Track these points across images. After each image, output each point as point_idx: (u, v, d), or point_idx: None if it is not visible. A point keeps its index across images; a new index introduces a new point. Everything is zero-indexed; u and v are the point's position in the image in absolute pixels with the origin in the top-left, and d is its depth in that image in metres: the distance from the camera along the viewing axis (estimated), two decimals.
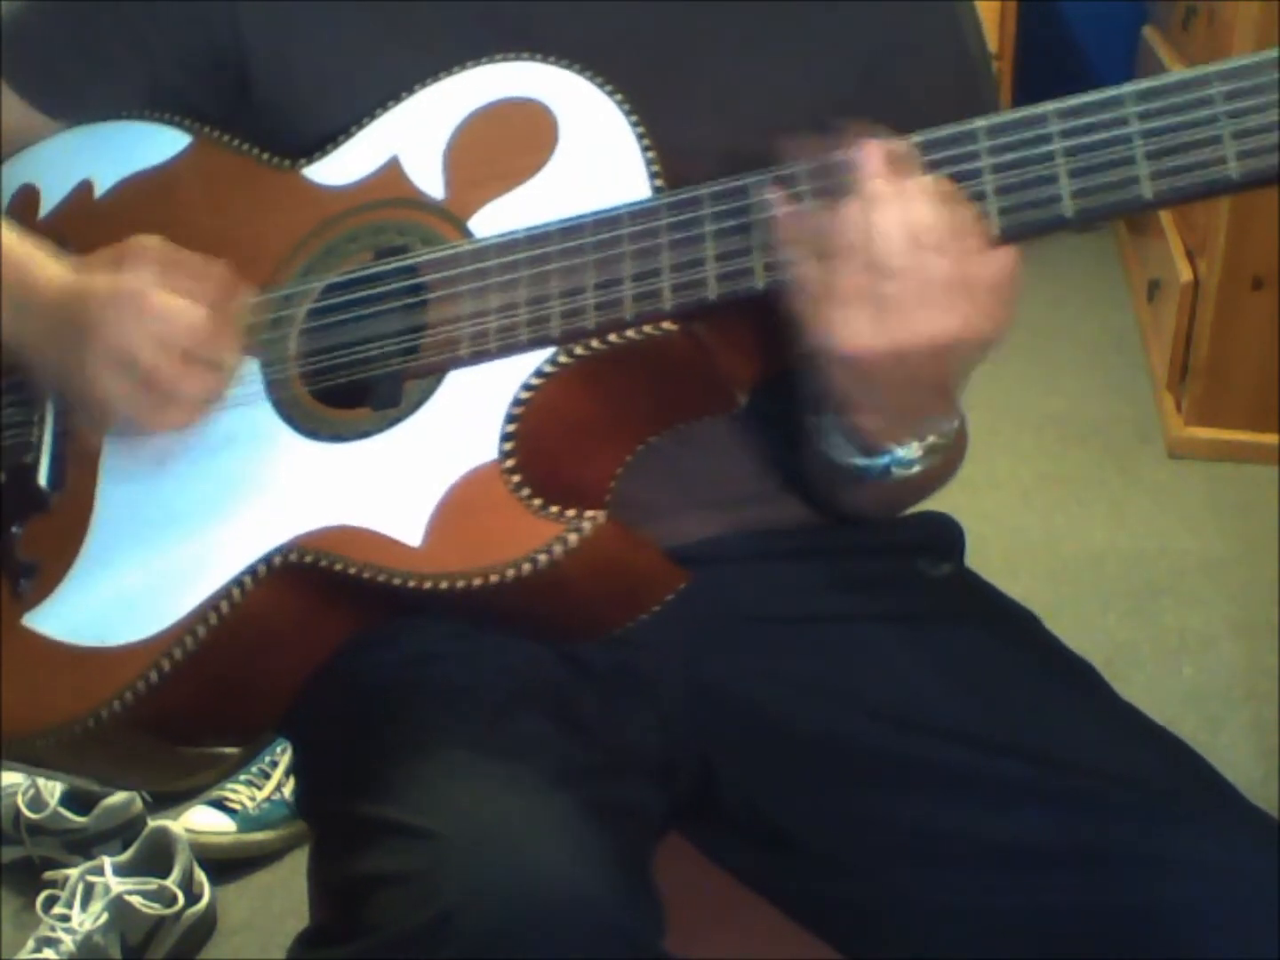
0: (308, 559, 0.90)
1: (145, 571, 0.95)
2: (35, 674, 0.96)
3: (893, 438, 0.90)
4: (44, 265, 0.96)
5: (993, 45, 3.13)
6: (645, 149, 0.90)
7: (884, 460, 0.91)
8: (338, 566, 0.89)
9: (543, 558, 0.84)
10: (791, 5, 0.99)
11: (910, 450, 0.90)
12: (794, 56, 0.99)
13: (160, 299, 0.91)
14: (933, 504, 1.07)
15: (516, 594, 0.86)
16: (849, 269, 0.80)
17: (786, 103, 0.97)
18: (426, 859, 0.79)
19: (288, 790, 1.77)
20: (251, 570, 0.91)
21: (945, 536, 1.10)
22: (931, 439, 0.90)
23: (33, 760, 1.01)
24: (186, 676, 0.92)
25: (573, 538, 0.84)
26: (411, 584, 0.87)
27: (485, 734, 0.87)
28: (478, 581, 0.85)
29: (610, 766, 0.90)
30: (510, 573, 0.84)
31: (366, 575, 0.88)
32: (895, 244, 0.78)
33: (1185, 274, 2.62)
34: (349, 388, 0.94)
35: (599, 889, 0.78)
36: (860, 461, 0.91)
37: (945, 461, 0.97)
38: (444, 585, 0.86)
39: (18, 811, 1.71)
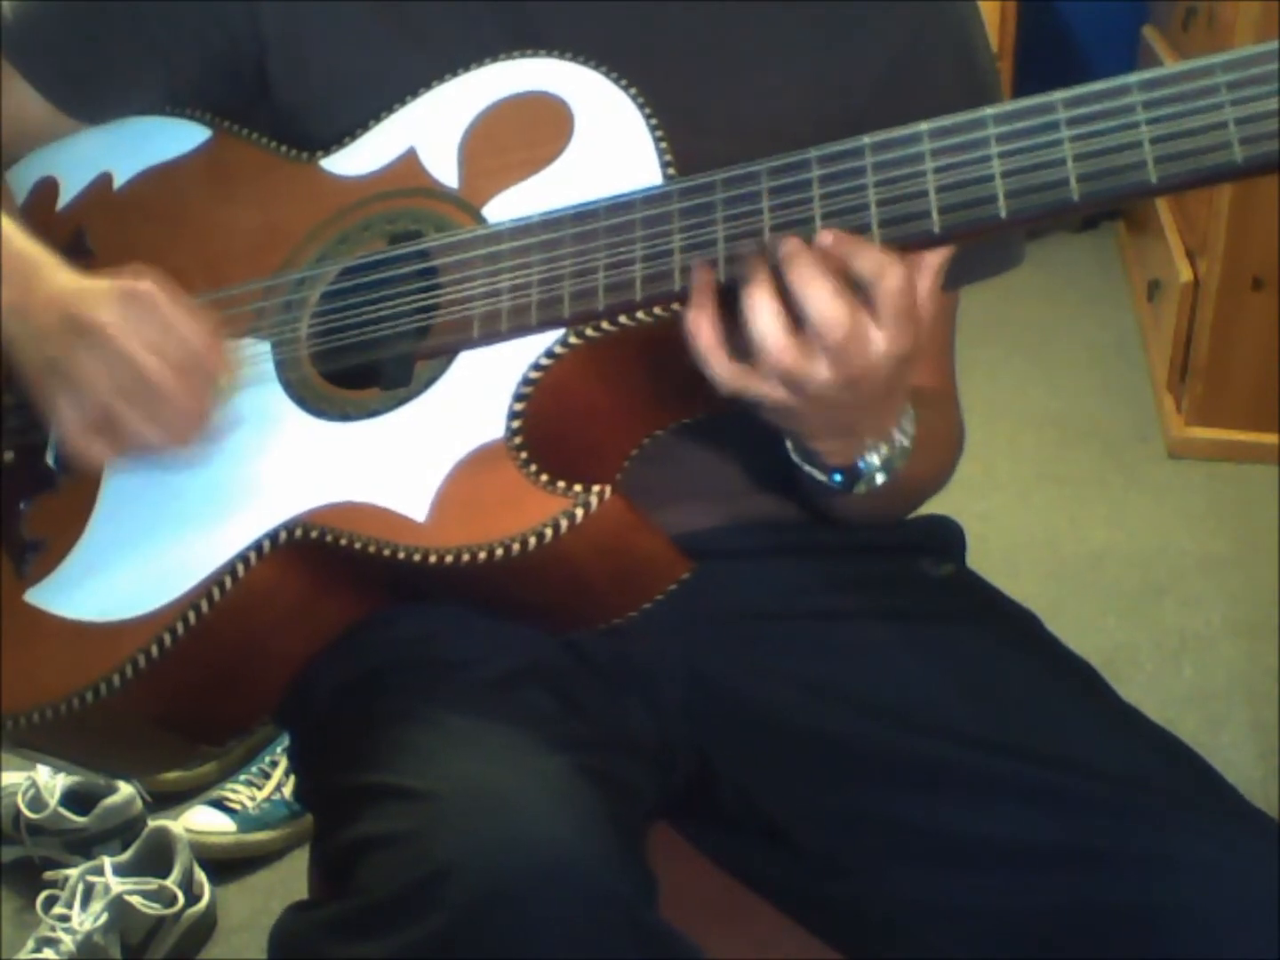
0: (313, 534, 0.90)
1: (150, 548, 0.95)
2: (36, 649, 0.96)
3: (844, 457, 0.91)
4: (51, 267, 0.96)
5: (993, 45, 3.13)
6: (658, 140, 0.91)
7: (840, 477, 0.92)
8: (343, 541, 0.89)
9: (548, 531, 0.84)
10: (803, 13, 1.00)
11: (869, 463, 0.91)
12: (805, 65, 0.99)
13: (168, 305, 0.91)
14: (933, 504, 1.07)
15: (520, 571, 0.86)
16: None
17: (796, 111, 0.97)
18: (420, 819, 0.79)
19: (288, 790, 1.77)
20: (256, 546, 0.91)
21: (946, 538, 1.10)
22: (886, 450, 0.91)
23: (30, 743, 1.01)
24: (187, 654, 0.92)
25: (579, 512, 0.84)
26: (416, 558, 0.87)
27: (483, 704, 0.88)
28: (483, 555, 0.85)
29: (607, 743, 0.90)
30: (515, 546, 0.84)
31: (372, 549, 0.88)
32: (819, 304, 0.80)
33: (1185, 274, 2.62)
34: (359, 370, 0.95)
35: (593, 851, 0.78)
36: (820, 477, 0.92)
37: (931, 465, 0.98)
38: (449, 559, 0.86)
39: (18, 811, 1.71)
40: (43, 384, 0.93)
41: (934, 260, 0.83)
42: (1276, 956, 0.82)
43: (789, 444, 0.92)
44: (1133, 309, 3.13)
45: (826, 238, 0.81)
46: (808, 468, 0.93)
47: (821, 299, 0.79)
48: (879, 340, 0.81)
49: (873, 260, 0.80)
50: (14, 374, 1.01)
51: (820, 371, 0.81)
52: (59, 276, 0.95)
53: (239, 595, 0.91)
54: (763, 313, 0.81)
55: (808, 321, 0.80)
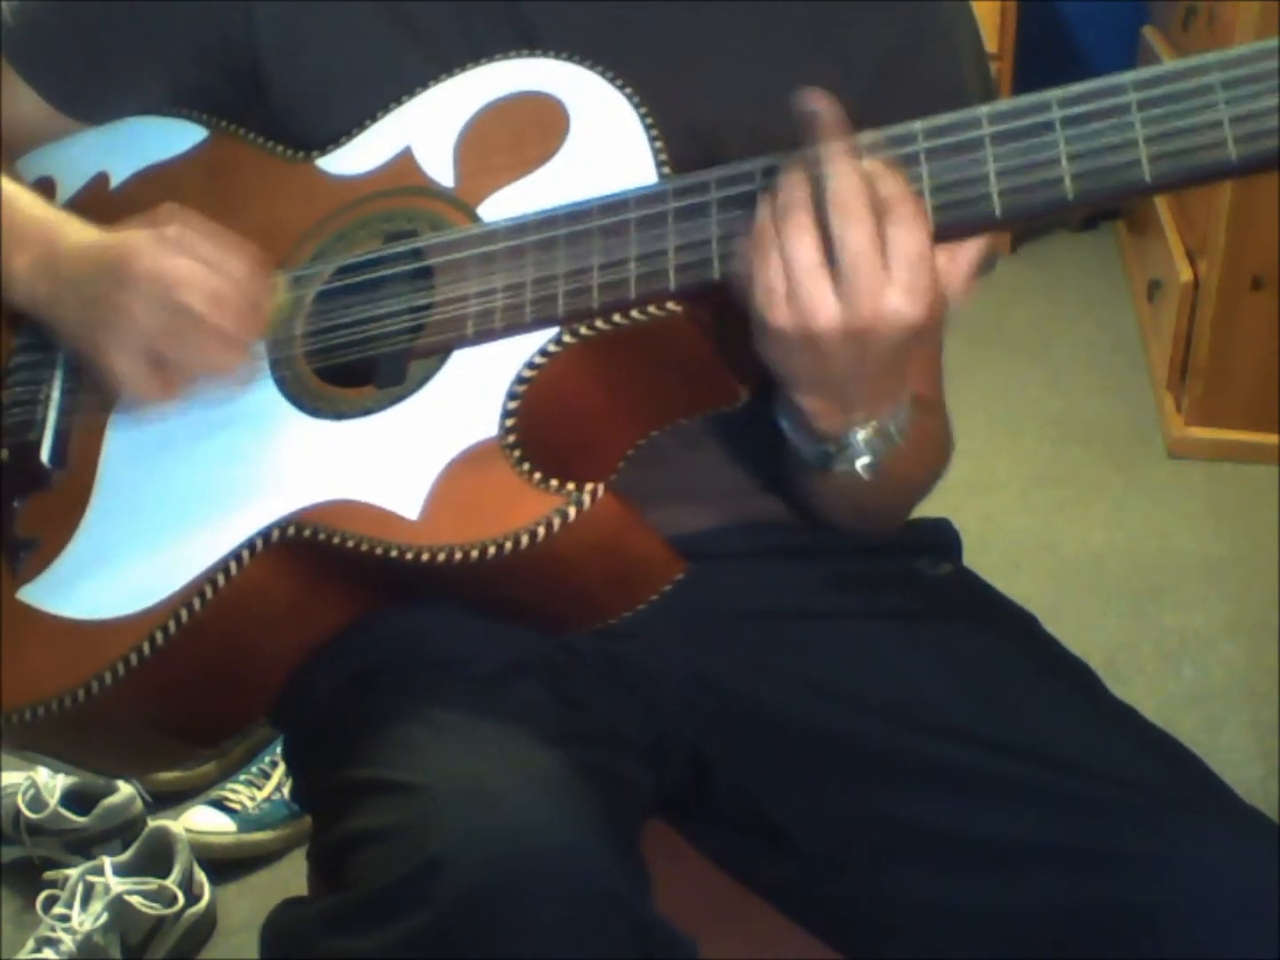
0: (306, 532, 0.90)
1: (143, 546, 0.95)
2: (28, 647, 0.96)
3: (832, 423, 0.89)
4: (74, 227, 0.97)
5: (993, 45, 3.13)
6: (654, 140, 0.91)
7: (825, 447, 0.90)
8: (335, 539, 0.89)
9: (541, 529, 0.84)
10: (797, 10, 0.99)
11: (855, 439, 0.89)
12: (800, 61, 0.99)
13: (203, 244, 0.92)
14: (933, 504, 1.07)
15: (513, 570, 0.86)
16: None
17: (788, 114, 0.97)
18: (412, 812, 0.79)
19: (288, 790, 1.77)
20: (249, 544, 0.91)
21: (943, 540, 1.10)
22: (875, 431, 0.89)
23: (24, 742, 1.01)
24: (179, 652, 0.92)
25: (572, 510, 0.84)
26: (409, 556, 0.87)
27: (477, 700, 0.88)
28: (475, 553, 0.85)
29: (602, 739, 0.90)
30: (508, 544, 0.84)
31: (364, 548, 0.88)
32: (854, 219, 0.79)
33: (1185, 274, 2.62)
34: (354, 368, 0.95)
35: (587, 845, 0.78)
36: (805, 447, 0.91)
37: (922, 466, 0.98)
38: (441, 557, 0.86)
39: (18, 811, 1.71)
40: (84, 334, 0.94)
41: (971, 254, 0.82)
42: (1276, 957, 0.82)
43: (781, 416, 0.91)
44: (1133, 309, 3.13)
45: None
46: (794, 437, 0.91)
47: (855, 226, 0.79)
48: (894, 293, 0.79)
49: (909, 207, 0.79)
50: (10, 370, 1.02)
51: (833, 306, 0.80)
52: (84, 231, 0.97)
53: (231, 594, 0.91)
54: (803, 236, 0.80)
55: (836, 246, 0.79)
